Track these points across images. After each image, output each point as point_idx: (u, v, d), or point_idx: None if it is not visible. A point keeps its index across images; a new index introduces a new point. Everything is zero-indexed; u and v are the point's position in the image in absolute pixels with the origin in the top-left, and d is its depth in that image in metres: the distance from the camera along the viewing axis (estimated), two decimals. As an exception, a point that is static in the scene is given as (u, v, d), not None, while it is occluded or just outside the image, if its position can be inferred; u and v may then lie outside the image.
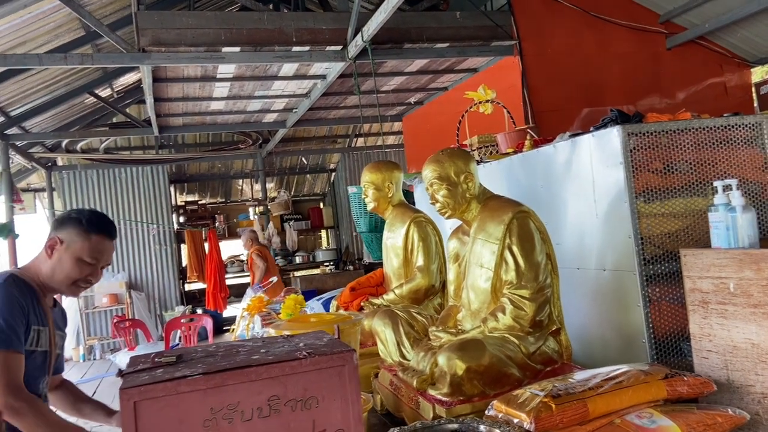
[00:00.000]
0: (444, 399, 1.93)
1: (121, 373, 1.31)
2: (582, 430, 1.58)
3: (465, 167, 2.29)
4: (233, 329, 3.12)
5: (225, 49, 4.87)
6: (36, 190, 10.20)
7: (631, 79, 5.78)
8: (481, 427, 1.65)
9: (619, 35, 5.75)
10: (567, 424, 1.57)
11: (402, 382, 2.21)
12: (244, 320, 2.95)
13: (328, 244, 12.23)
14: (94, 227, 1.96)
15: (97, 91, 7.67)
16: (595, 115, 5.43)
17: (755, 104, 6.13)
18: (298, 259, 11.10)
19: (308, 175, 12.09)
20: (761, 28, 5.53)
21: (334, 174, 11.97)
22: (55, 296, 2.03)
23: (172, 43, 4.71)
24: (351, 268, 10.39)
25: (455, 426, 1.69)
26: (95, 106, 8.31)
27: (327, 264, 11.28)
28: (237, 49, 4.89)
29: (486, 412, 1.76)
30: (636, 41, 5.81)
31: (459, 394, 1.93)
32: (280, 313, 2.65)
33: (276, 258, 10.67)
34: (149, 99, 6.02)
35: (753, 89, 6.10)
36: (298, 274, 11.01)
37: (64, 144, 8.78)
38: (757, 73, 7.00)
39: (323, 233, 12.29)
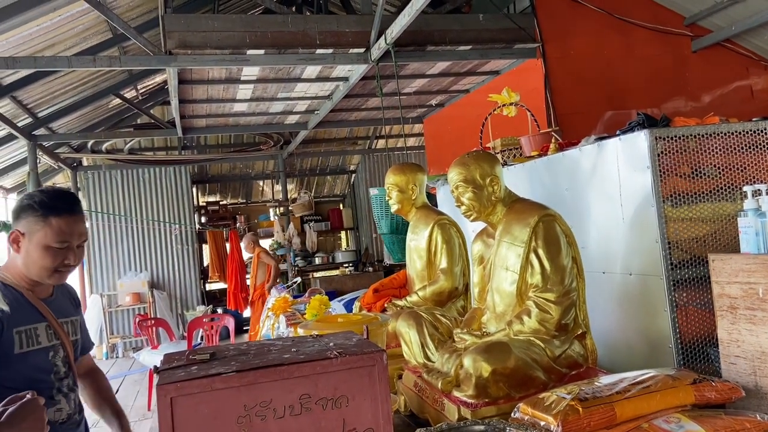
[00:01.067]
0: (469, 401, 1.94)
1: (157, 370, 1.34)
2: (609, 434, 1.58)
3: (491, 170, 2.29)
4: (258, 329, 3.15)
5: (250, 52, 4.93)
6: (62, 190, 10.37)
7: (656, 82, 5.73)
8: (508, 429, 1.66)
9: (643, 38, 5.71)
10: (594, 428, 1.58)
11: (426, 384, 2.22)
12: (269, 320, 2.98)
13: (348, 245, 12.28)
14: (50, 209, 1.78)
15: (122, 93, 7.80)
16: (619, 119, 5.39)
17: (782, 108, 6.05)
18: (317, 260, 11.16)
19: (328, 177, 12.15)
20: (789, 31, 5.45)
21: (354, 175, 12.01)
22: (54, 284, 1.91)
23: (198, 45, 4.78)
24: (370, 269, 10.42)
25: (482, 427, 1.70)
26: (120, 108, 8.45)
27: (346, 265, 11.32)
28: (261, 51, 4.95)
29: (512, 414, 1.76)
30: (661, 44, 5.75)
31: (484, 396, 1.94)
32: (305, 314, 2.67)
33: (296, 259, 10.75)
34: (174, 101, 6.12)
35: (780, 92, 6.02)
36: (317, 275, 11.07)
37: (89, 144, 8.94)
38: (785, 76, 6.88)
39: (343, 234, 12.34)
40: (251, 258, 11.10)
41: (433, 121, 8.34)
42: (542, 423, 1.62)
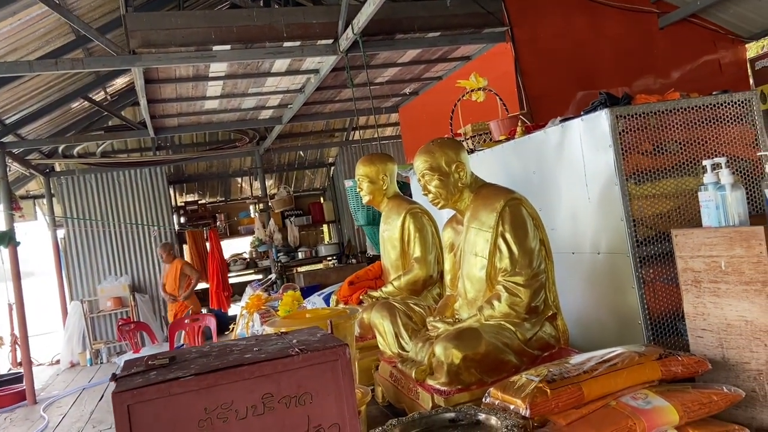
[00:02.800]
0: (442, 388, 1.95)
1: (115, 377, 1.32)
2: (578, 413, 1.59)
3: (456, 157, 2.29)
4: (232, 328, 3.13)
5: (215, 48, 4.86)
6: (35, 197, 10.22)
7: (625, 61, 5.74)
8: (479, 415, 1.66)
9: (610, 17, 5.71)
10: (562, 408, 1.58)
11: (401, 374, 2.23)
12: (244, 318, 2.96)
13: (330, 238, 12.24)
14: None
15: (90, 95, 7.66)
16: (590, 99, 5.35)
17: (750, 80, 6.11)
18: (300, 255, 11.11)
19: (307, 171, 12.08)
20: (754, 3, 5.49)
21: (333, 168, 11.96)
22: None
23: (162, 43, 4.70)
24: (354, 261, 10.40)
25: (452, 415, 1.70)
26: (90, 111, 8.31)
27: (330, 258, 11.29)
28: (228, 47, 4.88)
29: (483, 399, 1.77)
30: (628, 22, 5.76)
31: (457, 383, 1.94)
32: (279, 311, 2.65)
33: (278, 255, 10.69)
34: (142, 101, 6.02)
35: (748, 65, 6.07)
36: (301, 269, 11.03)
37: (60, 149, 8.79)
38: (752, 49, 6.97)
39: (325, 228, 12.29)
40: (234, 256, 11.09)
41: (409, 109, 8.31)
42: (512, 406, 1.63)
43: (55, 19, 5.45)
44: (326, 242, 11.90)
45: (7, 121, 7.14)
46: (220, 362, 1.33)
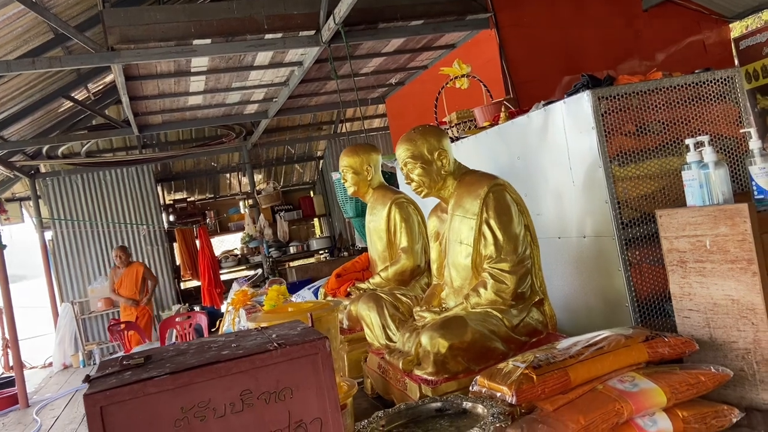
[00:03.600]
0: (429, 378, 1.92)
1: (88, 379, 1.28)
2: (565, 398, 1.57)
3: (438, 144, 2.25)
4: (219, 325, 3.09)
5: (196, 42, 4.80)
6: (21, 199, 10.11)
7: (610, 44, 5.72)
8: (465, 404, 1.64)
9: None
10: (549, 393, 1.56)
11: (389, 365, 2.20)
12: (230, 314, 2.92)
13: (322, 232, 12.21)
14: None
15: (73, 94, 7.57)
16: (576, 83, 5.38)
17: (735, 60, 6.10)
18: (292, 250, 11.07)
19: (296, 165, 12.01)
20: (737, -18, 5.48)
21: (321, 161, 11.90)
22: None
23: (141, 39, 4.63)
24: (346, 254, 10.37)
25: (439, 405, 1.68)
26: (73, 110, 8.21)
27: (321, 252, 11.27)
28: (208, 41, 4.82)
29: (470, 387, 1.74)
30: (612, 4, 5.74)
31: (444, 372, 1.92)
32: (264, 305, 2.62)
33: (269, 250, 10.65)
34: (124, 98, 5.95)
35: (732, 45, 6.07)
36: (293, 264, 10.99)
37: (44, 150, 8.69)
38: (736, 29, 6.96)
39: (316, 222, 12.25)
40: (225, 253, 11.02)
41: (395, 99, 8.26)
42: (498, 394, 1.61)
43: (33, 17, 5.36)
44: (317, 236, 11.87)
45: (-11, 124, 7.04)
46: (197, 360, 1.29)
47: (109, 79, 7.90)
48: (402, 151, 2.29)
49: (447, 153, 2.26)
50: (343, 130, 11.32)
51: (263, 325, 1.66)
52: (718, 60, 5.94)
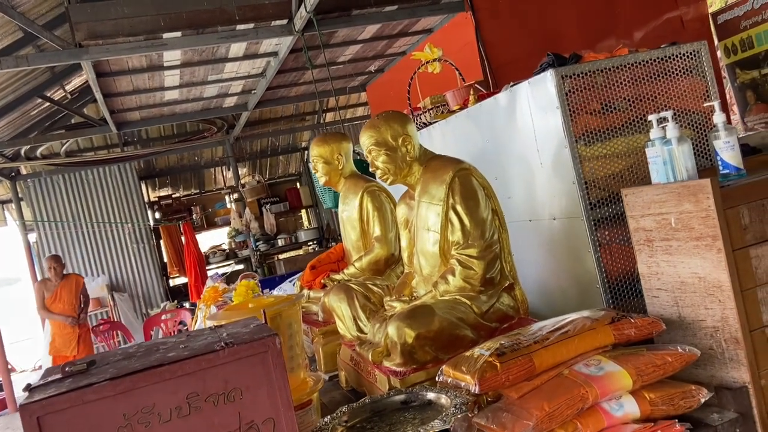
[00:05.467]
0: (397, 369, 1.89)
1: (28, 387, 1.24)
2: (530, 385, 1.54)
3: (402, 130, 2.20)
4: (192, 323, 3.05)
5: (166, 35, 4.71)
6: (3, 202, 9.99)
7: (588, 23, 5.65)
8: (429, 395, 1.61)
9: (571, -23, 5.61)
10: (513, 381, 1.53)
11: (360, 357, 2.17)
12: (201, 311, 2.88)
13: (309, 223, 12.14)
14: None
15: (49, 94, 7.44)
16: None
17: (714, 36, 6.07)
18: (280, 242, 11.02)
19: (281, 157, 11.92)
20: (712, -44, 5.42)
21: (306, 152, 11.81)
22: None
23: (109, 34, 4.53)
24: (334, 244, 10.31)
25: (403, 397, 1.65)
26: (51, 110, 8.08)
27: (310, 243, 11.22)
28: (178, 33, 4.73)
29: (437, 378, 1.71)
30: (588, -18, 5.67)
31: (412, 363, 1.88)
32: (234, 301, 2.58)
33: (257, 243, 10.59)
34: (98, 95, 5.86)
35: (710, 20, 6.02)
36: (282, 256, 10.93)
37: (23, 151, 8.56)
38: (715, 4, 6.91)
39: (303, 213, 12.18)
40: (213, 248, 10.94)
41: (376, 87, 8.18)
42: (463, 384, 1.57)
43: (1, 16, 5.25)
44: (305, 228, 11.81)
45: (-38, 127, 6.92)
46: (141, 364, 1.25)
47: (84, 77, 7.77)
48: (366, 138, 2.24)
49: (412, 138, 2.21)
50: (328, 120, 11.23)
51: (222, 322, 1.62)
52: (696, 35, 5.88)
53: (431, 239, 2.13)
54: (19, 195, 9.30)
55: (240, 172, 10.97)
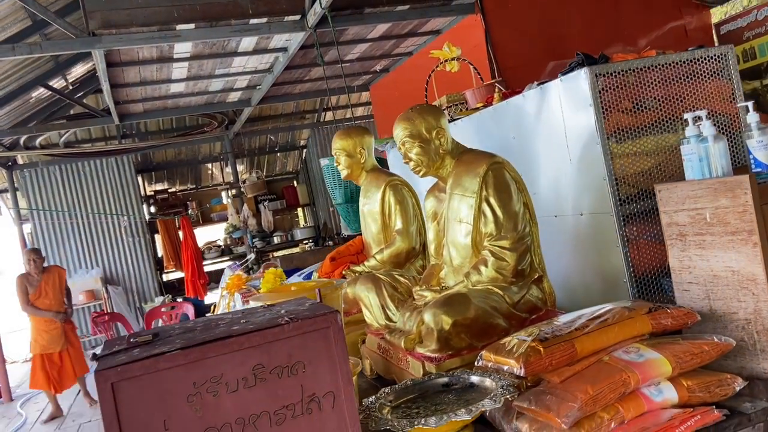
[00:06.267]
0: (433, 355, 1.92)
1: (95, 356, 1.26)
2: (571, 370, 1.58)
3: (436, 123, 2.24)
4: (213, 311, 3.06)
5: (179, 27, 4.71)
6: (-2, 192, 9.92)
7: (594, 29, 5.74)
8: (472, 378, 1.64)
9: (579, -17, 5.70)
10: (556, 365, 1.57)
11: (389, 344, 2.20)
12: (224, 299, 2.89)
13: (306, 221, 12.15)
14: None
15: (50, 83, 7.41)
16: (561, 69, 5.41)
17: (716, 45, 6.17)
18: (276, 240, 11.02)
19: (279, 154, 11.93)
20: (718, -33, 5.53)
21: (305, 151, 11.83)
22: None
23: (123, 24, 4.53)
24: (330, 243, 10.33)
25: (446, 379, 1.68)
26: (51, 99, 8.04)
27: (306, 242, 11.22)
28: (192, 26, 4.74)
29: (475, 363, 1.75)
30: (595, -12, 5.77)
31: (447, 349, 1.92)
32: (260, 289, 2.60)
33: (253, 240, 10.57)
34: (105, 86, 5.83)
35: (713, 30, 6.14)
36: (277, 254, 10.92)
37: (22, 141, 8.50)
38: (717, 14, 7.03)
39: (300, 211, 12.19)
40: (209, 244, 10.91)
41: (380, 87, 8.22)
42: (505, 367, 1.61)
43: (10, 3, 5.23)
44: (302, 226, 11.81)
45: (-36, 113, 6.87)
46: (207, 335, 1.27)
47: (87, 67, 7.75)
48: (400, 130, 2.28)
49: (445, 132, 2.25)
50: (327, 119, 11.26)
51: (268, 303, 1.64)
52: (699, 45, 5.99)
53: (463, 231, 2.17)
54: (15, 185, 9.23)
55: (237, 169, 10.96)
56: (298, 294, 1.74)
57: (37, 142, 8.73)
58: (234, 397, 1.24)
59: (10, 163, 9.22)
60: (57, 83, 7.65)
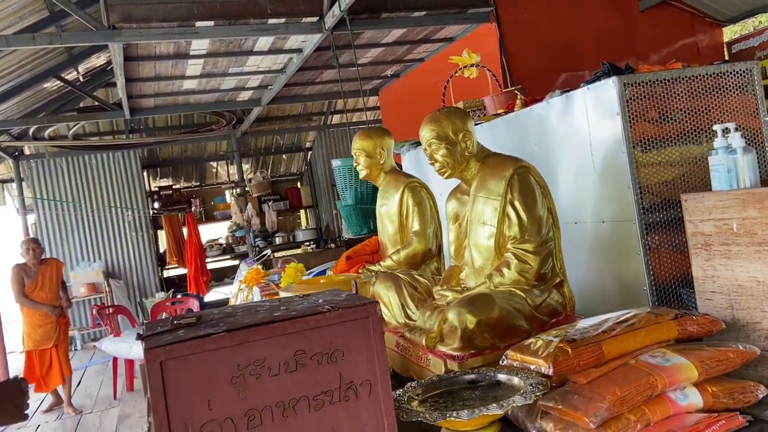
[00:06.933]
0: (455, 353, 1.94)
1: (140, 337, 1.28)
2: (598, 372, 1.60)
3: (463, 125, 2.27)
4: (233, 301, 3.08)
5: (198, 24, 4.75)
6: (3, 181, 9.91)
7: (606, 43, 5.80)
8: (499, 376, 1.66)
9: (592, -2, 5.77)
10: (583, 366, 1.59)
11: (409, 342, 2.22)
12: (242, 292, 2.91)
13: (308, 223, 12.17)
14: None
15: (62, 75, 7.43)
16: (573, 81, 5.45)
17: (728, 63, 6.22)
18: (278, 240, 11.03)
19: (284, 155, 11.96)
20: (732, -14, 5.60)
21: (310, 153, 11.86)
22: None
23: (143, 18, 4.57)
24: (333, 246, 10.35)
25: (473, 376, 1.70)
26: (62, 91, 8.06)
27: (308, 243, 11.23)
28: (211, 23, 4.78)
29: (500, 362, 1.77)
30: (609, 4, 5.84)
31: (470, 348, 1.94)
32: (279, 284, 2.62)
33: (255, 240, 10.58)
34: (120, 79, 5.86)
35: (725, 48, 6.20)
36: (278, 254, 10.93)
37: (31, 131, 8.52)
38: (728, 33, 7.10)
39: (302, 213, 12.21)
40: (211, 242, 10.92)
41: (389, 92, 8.27)
42: (532, 367, 1.63)
43: (29, -7, 5.27)
44: (304, 227, 11.84)
45: (-24, 101, 6.89)
46: (251, 319, 1.30)
47: (100, 60, 7.78)
48: (426, 132, 2.31)
49: (471, 135, 2.28)
50: (334, 122, 11.30)
51: (301, 293, 1.66)
52: (710, 62, 6.05)
53: (486, 233, 2.19)
54: (21, 175, 9.24)
55: (242, 168, 10.98)
56: (328, 287, 1.76)
57: (46, 133, 8.74)
58: (275, 381, 1.26)
59: (17, 153, 9.23)
60: (68, 75, 7.68)
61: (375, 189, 3.66)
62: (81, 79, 8.10)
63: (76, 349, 8.88)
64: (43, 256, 6.08)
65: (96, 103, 8.14)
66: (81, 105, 8.62)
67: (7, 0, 5.21)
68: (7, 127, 8.02)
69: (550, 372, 1.57)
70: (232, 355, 1.22)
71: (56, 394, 6.11)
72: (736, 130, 1.87)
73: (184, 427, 1.17)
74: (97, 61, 7.75)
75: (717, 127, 1.88)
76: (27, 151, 9.46)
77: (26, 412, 1.38)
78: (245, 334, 1.24)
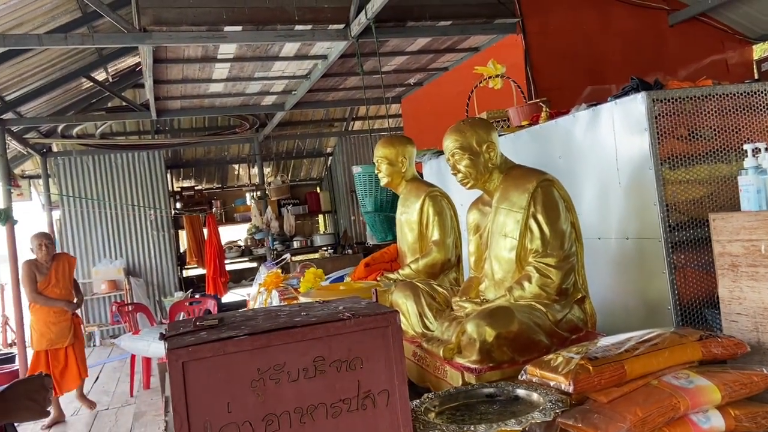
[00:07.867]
0: (473, 366, 1.93)
1: (163, 336, 1.29)
2: (619, 391, 1.58)
3: (487, 137, 2.26)
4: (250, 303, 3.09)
5: (227, 28, 4.81)
6: (31, 177, 10.10)
7: (634, 57, 5.75)
8: (518, 390, 1.65)
9: (621, 12, 5.72)
10: (604, 385, 1.57)
11: (426, 353, 2.20)
12: (261, 295, 2.93)
13: (326, 228, 12.21)
14: None
15: (92, 75, 7.57)
16: (599, 94, 5.39)
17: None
18: (296, 244, 11.08)
19: (305, 160, 12.02)
20: (763, 4, 5.51)
21: (330, 158, 11.91)
22: None
23: (173, 22, 4.65)
24: (350, 251, 10.37)
25: (491, 390, 1.69)
26: (91, 91, 8.21)
27: (325, 248, 11.26)
28: (239, 28, 4.83)
29: (519, 376, 1.75)
30: (638, 18, 5.78)
31: (488, 361, 1.92)
32: (298, 288, 2.62)
33: (274, 243, 10.64)
34: (149, 81, 5.95)
35: (754, 66, 6.10)
36: (296, 258, 10.98)
37: (59, 129, 8.68)
38: (758, 50, 7.00)
39: (320, 218, 12.25)
40: (230, 243, 11.00)
41: (411, 100, 8.28)
42: (552, 383, 1.61)
43: (63, -6, 5.38)
44: (322, 232, 11.87)
45: (7, 98, 7.03)
46: (272, 324, 1.30)
47: (129, 62, 7.91)
48: (450, 142, 2.30)
49: (495, 146, 2.27)
50: (356, 128, 11.33)
51: (321, 300, 1.67)
52: (739, 80, 5.97)
53: (508, 245, 2.18)
54: (48, 172, 9.41)
55: (264, 171, 11.06)
56: (347, 294, 1.76)
57: (74, 131, 8.90)
58: (294, 387, 1.26)
59: (45, 150, 9.41)
60: (98, 76, 7.82)
61: (394, 196, 3.66)
62: (110, 79, 8.24)
63: (94, 345, 9.00)
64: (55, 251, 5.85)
65: (124, 104, 8.27)
66: (109, 105, 8.77)
67: (40, 0, 5.32)
68: (36, 124, 8.17)
69: (571, 389, 1.55)
70: (252, 359, 1.23)
71: (58, 408, 5.62)
72: (767, 150, 1.84)
73: (203, 428, 1.17)
74: (127, 62, 7.87)
75: (747, 147, 1.85)
76: (55, 149, 9.64)
77: (48, 408, 1.39)
78: (266, 339, 1.24)
